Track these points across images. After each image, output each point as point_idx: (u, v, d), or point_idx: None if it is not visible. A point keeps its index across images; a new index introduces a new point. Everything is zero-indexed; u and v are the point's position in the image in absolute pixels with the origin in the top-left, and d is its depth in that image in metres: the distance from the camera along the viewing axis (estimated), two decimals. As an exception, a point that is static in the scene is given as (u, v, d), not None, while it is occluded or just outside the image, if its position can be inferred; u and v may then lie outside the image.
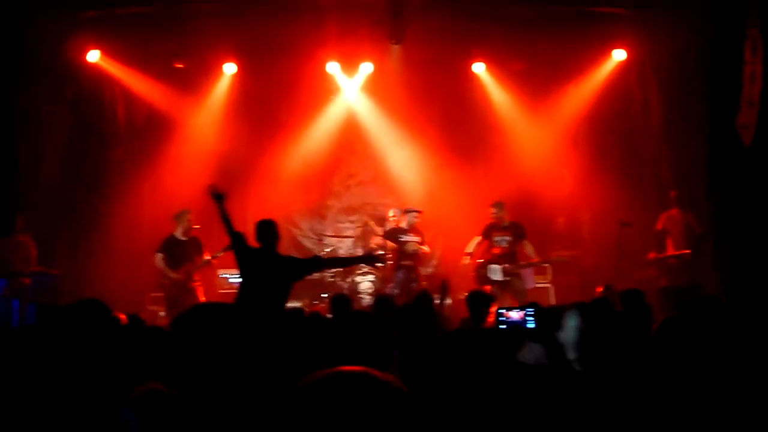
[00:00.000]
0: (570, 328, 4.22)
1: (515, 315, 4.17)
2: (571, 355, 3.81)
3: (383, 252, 12.78)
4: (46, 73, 13.00)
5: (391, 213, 13.69)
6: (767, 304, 9.17)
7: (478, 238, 12.79)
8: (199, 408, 2.73)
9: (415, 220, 13.10)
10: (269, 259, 8.53)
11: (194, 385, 2.83)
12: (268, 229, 8.69)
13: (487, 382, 3.77)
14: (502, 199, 12.87)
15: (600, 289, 9.79)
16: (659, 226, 13.22)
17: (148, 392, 2.90)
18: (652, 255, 13.21)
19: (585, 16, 13.41)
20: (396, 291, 12.43)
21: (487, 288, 12.10)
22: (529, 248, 12.67)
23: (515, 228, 12.72)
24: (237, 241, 8.69)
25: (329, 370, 1.80)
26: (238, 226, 8.72)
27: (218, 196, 8.72)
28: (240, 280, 8.87)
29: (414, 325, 5.42)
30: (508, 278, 12.50)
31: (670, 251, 13.04)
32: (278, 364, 3.62)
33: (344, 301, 8.41)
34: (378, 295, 9.45)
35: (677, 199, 13.15)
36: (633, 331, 4.22)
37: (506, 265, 12.53)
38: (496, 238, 12.69)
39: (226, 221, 8.68)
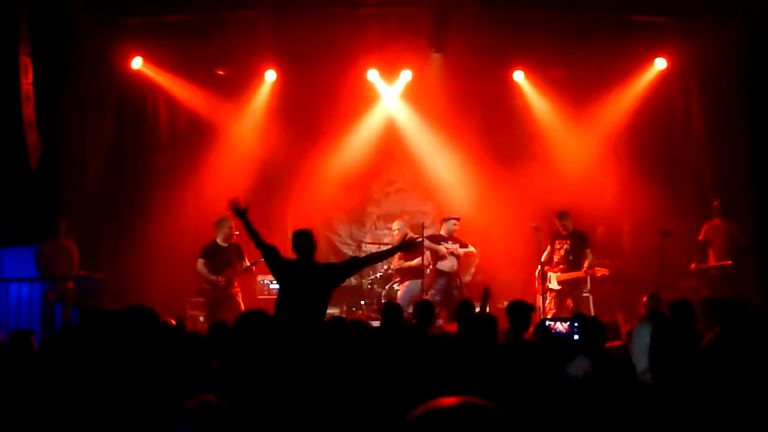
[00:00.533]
0: (642, 337, 4.17)
1: (561, 327, 4.13)
2: (641, 366, 3.77)
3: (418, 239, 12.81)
4: (90, 79, 13.15)
5: (395, 225, 13.77)
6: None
7: (549, 248, 12.85)
8: (249, 420, 2.75)
9: (455, 227, 13.11)
10: (306, 270, 8.49)
11: (244, 396, 2.85)
12: (303, 239, 8.62)
13: (537, 397, 3.76)
14: (545, 208, 12.89)
15: (645, 299, 9.68)
16: (701, 236, 13.13)
17: (201, 404, 2.91)
18: (693, 265, 13.11)
19: (626, 24, 13.35)
20: (437, 298, 12.44)
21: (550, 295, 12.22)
22: (589, 257, 12.63)
23: (576, 236, 12.70)
24: (269, 255, 8.67)
25: (432, 405, 1.78)
26: (279, 233, 8.78)
27: (240, 212, 8.69)
28: (278, 291, 8.84)
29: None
30: (561, 287, 12.50)
31: (712, 262, 12.93)
32: (325, 374, 3.65)
33: (395, 309, 8.38)
34: (420, 302, 9.40)
35: (720, 209, 13.04)
36: (685, 342, 4.19)
37: (560, 274, 12.54)
38: (557, 246, 12.73)
39: (254, 235, 8.68)
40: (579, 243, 12.69)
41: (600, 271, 12.72)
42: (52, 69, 11.86)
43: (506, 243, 13.37)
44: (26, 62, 11.19)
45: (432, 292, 12.86)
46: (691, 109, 14.28)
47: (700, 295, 12.48)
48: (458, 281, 13.07)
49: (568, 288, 12.60)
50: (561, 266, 12.66)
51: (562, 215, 12.79)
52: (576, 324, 3.92)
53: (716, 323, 6.59)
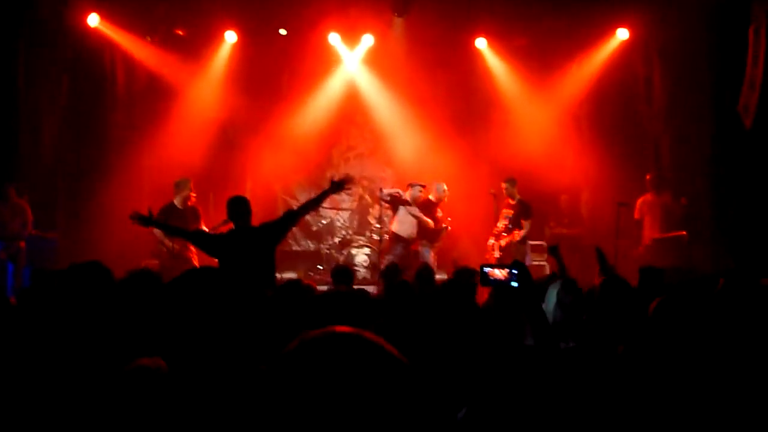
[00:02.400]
0: (550, 298, 4.24)
1: (499, 273, 4.12)
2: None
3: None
4: (44, 36, 12.89)
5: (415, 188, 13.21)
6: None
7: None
8: (189, 382, 2.72)
9: (419, 194, 12.98)
10: (241, 237, 8.31)
11: (186, 352, 2.81)
12: (236, 205, 8.39)
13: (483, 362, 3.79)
14: (506, 174, 12.92)
15: (599, 269, 9.74)
16: (637, 214, 13.19)
17: (136, 370, 2.87)
18: (648, 235, 13.17)
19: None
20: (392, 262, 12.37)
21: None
22: (526, 227, 12.68)
23: (521, 206, 12.75)
24: (198, 240, 8.60)
25: (321, 330, 1.78)
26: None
27: (146, 221, 8.63)
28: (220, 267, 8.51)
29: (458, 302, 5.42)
30: (500, 254, 12.54)
31: (647, 236, 13.02)
32: (271, 334, 3.61)
33: (347, 273, 8.32)
34: (389, 266, 9.34)
35: (653, 182, 13.15)
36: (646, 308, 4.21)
37: (501, 243, 12.59)
38: (503, 215, 12.78)
39: (174, 231, 8.60)
40: (522, 212, 12.76)
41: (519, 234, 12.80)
42: (4, 27, 11.61)
43: (466, 210, 13.36)
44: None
45: (389, 257, 12.80)
46: (653, 81, 14.33)
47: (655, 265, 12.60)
48: (415, 249, 13.00)
49: (509, 256, 12.60)
50: (503, 234, 12.72)
51: (509, 181, 12.85)
52: (515, 271, 3.92)
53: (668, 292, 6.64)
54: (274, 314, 4.53)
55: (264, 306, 4.74)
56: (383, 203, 13.09)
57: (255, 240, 8.30)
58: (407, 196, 12.97)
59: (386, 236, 13.07)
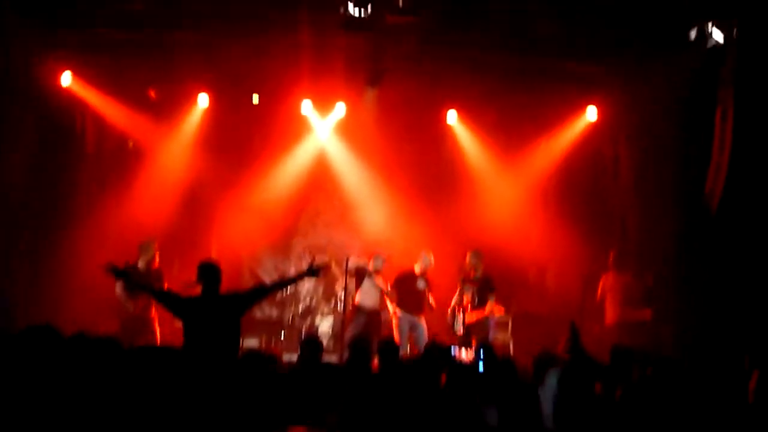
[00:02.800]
0: (551, 382, 4.12)
1: (465, 356, 4.06)
2: (547, 411, 3.73)
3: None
4: (15, 93, 12.77)
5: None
6: (729, 367, 9.14)
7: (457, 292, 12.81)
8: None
9: (381, 265, 13.01)
10: (210, 303, 8.29)
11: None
12: (207, 271, 8.42)
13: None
14: (472, 247, 12.90)
15: (562, 345, 9.68)
16: (599, 293, 13.20)
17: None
18: (611, 315, 13.11)
19: (560, 71, 13.47)
20: (355, 334, 12.27)
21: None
22: (490, 303, 12.62)
23: (484, 281, 12.69)
24: (166, 301, 8.55)
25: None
26: (202, 259, 8.60)
27: (120, 273, 8.75)
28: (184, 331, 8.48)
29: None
30: (466, 330, 12.46)
31: (610, 316, 12.99)
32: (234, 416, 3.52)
33: (315, 345, 8.21)
34: (357, 340, 9.24)
35: (615, 261, 13.19)
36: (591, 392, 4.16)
37: (463, 318, 12.51)
38: (465, 288, 12.69)
39: (144, 289, 8.60)
40: (485, 287, 12.70)
41: (498, 310, 12.71)
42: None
43: (436, 282, 13.30)
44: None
45: (351, 326, 12.74)
46: (620, 159, 14.47)
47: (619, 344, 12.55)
48: (379, 319, 12.95)
49: (474, 331, 12.54)
50: (467, 309, 12.65)
51: (475, 255, 12.81)
52: (482, 353, 3.86)
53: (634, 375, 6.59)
54: (239, 391, 4.42)
55: (225, 387, 4.63)
56: (348, 273, 13.04)
57: (221, 308, 8.28)
58: (371, 266, 12.97)
59: (350, 306, 13.01)
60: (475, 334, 12.43)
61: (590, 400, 4.22)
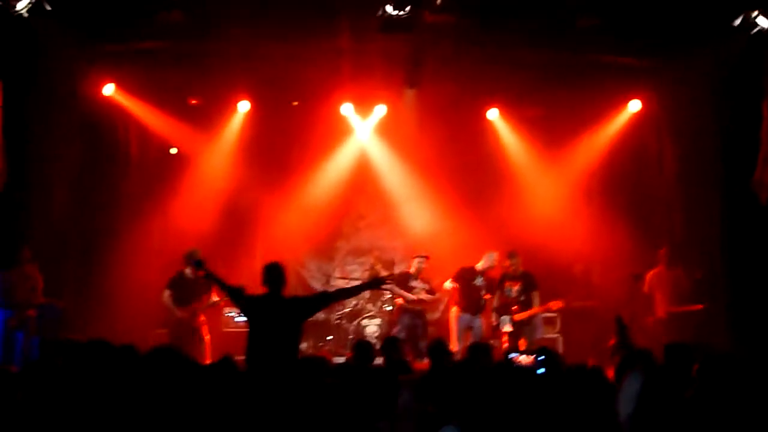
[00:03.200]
0: (633, 384, 3.98)
1: (525, 360, 4.03)
2: (625, 412, 3.65)
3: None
4: (60, 104, 12.91)
5: (415, 262, 13.26)
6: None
7: (498, 293, 12.70)
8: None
9: (423, 266, 12.99)
10: (275, 305, 8.37)
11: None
12: (273, 272, 8.48)
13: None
14: (514, 246, 12.81)
15: (612, 342, 9.58)
16: (646, 288, 13.07)
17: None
18: (659, 310, 12.99)
19: (602, 65, 13.36)
20: (402, 335, 12.27)
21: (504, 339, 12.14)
22: (536, 299, 12.55)
23: (526, 278, 12.60)
24: (236, 296, 8.60)
25: None
26: (247, 266, 8.68)
27: (198, 263, 8.80)
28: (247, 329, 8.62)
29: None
30: (512, 329, 12.38)
31: (660, 310, 12.85)
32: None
33: (368, 348, 8.25)
34: (387, 338, 9.24)
35: (666, 257, 13.02)
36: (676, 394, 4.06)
37: (513, 316, 12.43)
38: (506, 288, 12.61)
39: (218, 282, 8.67)
40: (529, 283, 12.61)
41: (555, 304, 12.63)
42: (21, 91, 11.66)
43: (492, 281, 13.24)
44: (-5, 84, 11.00)
45: (397, 328, 12.74)
46: (664, 152, 14.31)
47: (669, 339, 12.40)
48: (423, 320, 12.92)
49: (522, 329, 12.46)
50: (513, 308, 12.55)
51: (512, 255, 12.70)
52: (541, 357, 3.82)
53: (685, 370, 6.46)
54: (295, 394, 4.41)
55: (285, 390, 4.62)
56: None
57: (286, 310, 8.37)
58: (412, 268, 12.98)
59: (395, 308, 13.03)
60: (524, 333, 12.36)
61: (674, 403, 4.11)
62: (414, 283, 12.90)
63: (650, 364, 4.95)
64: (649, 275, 13.06)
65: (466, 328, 12.73)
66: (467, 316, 12.78)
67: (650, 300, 13.05)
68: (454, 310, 13.03)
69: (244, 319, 8.69)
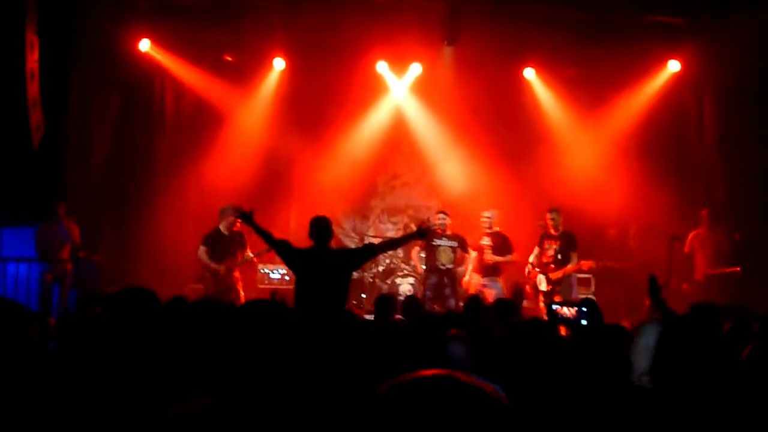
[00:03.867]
0: (648, 338, 3.94)
1: (568, 311, 4.01)
2: (641, 368, 3.60)
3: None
4: (96, 59, 13.00)
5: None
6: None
7: (537, 249, 12.65)
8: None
9: (441, 222, 12.72)
10: (323, 257, 8.43)
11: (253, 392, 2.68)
12: (319, 226, 8.56)
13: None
14: (552, 205, 12.71)
15: (648, 303, 9.50)
16: (687, 248, 12.93)
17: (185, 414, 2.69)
18: (700, 271, 12.91)
19: (639, 24, 13.16)
20: (428, 294, 12.21)
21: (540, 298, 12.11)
22: (574, 259, 12.48)
23: (566, 237, 12.52)
24: (283, 251, 8.65)
25: (410, 375, 1.67)
26: (283, 222, 8.70)
27: (246, 216, 8.77)
28: (295, 281, 8.72)
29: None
30: (551, 287, 12.33)
31: (699, 272, 12.75)
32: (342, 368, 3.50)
33: (389, 301, 8.29)
34: (380, 296, 9.25)
35: (708, 218, 12.89)
36: (699, 350, 3.99)
37: (549, 275, 12.37)
38: (546, 246, 12.55)
39: (263, 235, 8.68)
40: (568, 243, 12.51)
41: (586, 264, 12.57)
42: (58, 47, 11.70)
43: (513, 241, 13.17)
44: (32, 39, 11.01)
45: (424, 288, 12.66)
46: (704, 112, 14.13)
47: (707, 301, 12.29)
48: (451, 278, 12.73)
49: (558, 289, 12.41)
50: (550, 266, 12.50)
51: (554, 211, 12.59)
52: (584, 309, 3.80)
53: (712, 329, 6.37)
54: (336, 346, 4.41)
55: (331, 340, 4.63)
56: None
57: (333, 261, 8.47)
58: (437, 225, 12.71)
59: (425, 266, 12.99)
60: (559, 292, 12.30)
61: (696, 358, 4.05)
62: (438, 242, 12.69)
63: (670, 316, 4.89)
64: (691, 236, 12.96)
65: (483, 287, 12.57)
66: (477, 277, 12.70)
67: (690, 261, 12.95)
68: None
69: (284, 273, 8.76)
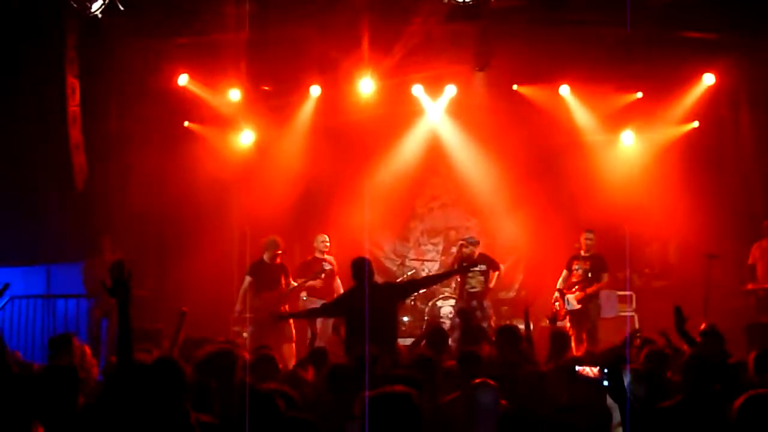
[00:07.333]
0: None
1: (590, 372, 4.12)
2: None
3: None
4: (135, 98, 13.23)
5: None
6: None
7: (565, 272, 12.66)
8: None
9: (467, 249, 12.56)
10: (364, 295, 8.54)
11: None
12: (357, 267, 8.94)
13: None
14: (588, 225, 12.72)
15: (703, 327, 9.22)
16: (750, 259, 12.83)
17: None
18: (750, 286, 12.80)
19: (674, 40, 13.11)
20: (457, 320, 12.22)
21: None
22: (604, 279, 12.47)
23: (595, 259, 12.51)
24: (329, 313, 9.25)
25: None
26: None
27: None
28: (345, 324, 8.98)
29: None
30: (580, 306, 12.32)
31: (762, 283, 12.64)
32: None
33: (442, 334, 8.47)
34: (432, 328, 9.40)
35: None
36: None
37: (577, 294, 12.36)
38: (575, 267, 12.55)
39: (309, 314, 9.13)
40: (598, 265, 12.52)
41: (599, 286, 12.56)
42: (98, 90, 11.99)
43: (549, 261, 13.22)
44: (73, 84, 11.33)
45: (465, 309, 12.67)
46: (741, 127, 14.03)
47: (747, 317, 12.20)
48: (480, 303, 12.64)
49: (584, 309, 12.40)
50: (578, 285, 12.49)
51: (589, 232, 12.62)
52: (605, 370, 3.89)
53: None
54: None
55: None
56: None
57: (379, 296, 8.67)
58: (467, 249, 12.68)
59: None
60: (585, 312, 12.26)
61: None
62: (474, 269, 12.61)
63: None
64: (754, 247, 12.87)
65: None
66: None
67: (753, 272, 12.84)
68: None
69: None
